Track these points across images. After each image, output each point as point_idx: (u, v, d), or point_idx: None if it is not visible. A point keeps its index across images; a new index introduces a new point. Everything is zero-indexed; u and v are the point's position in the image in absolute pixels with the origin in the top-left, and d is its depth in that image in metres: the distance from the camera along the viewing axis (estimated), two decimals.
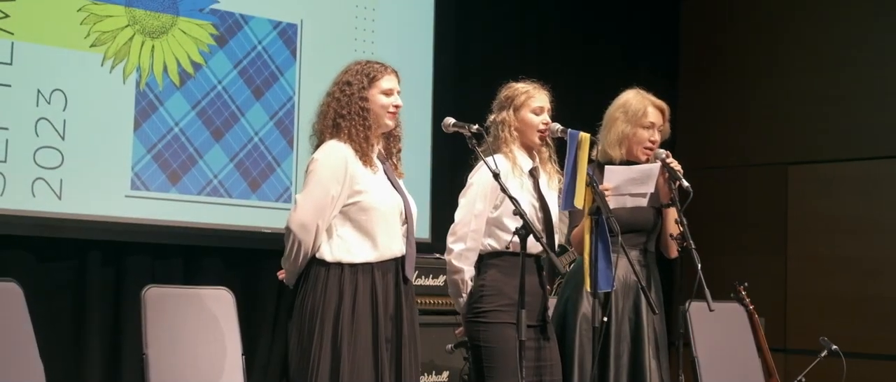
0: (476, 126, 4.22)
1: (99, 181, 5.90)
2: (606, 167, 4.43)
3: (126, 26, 6.03)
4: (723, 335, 6.05)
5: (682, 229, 4.43)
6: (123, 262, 6.05)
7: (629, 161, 4.63)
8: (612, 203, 4.28)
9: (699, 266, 4.30)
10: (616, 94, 4.82)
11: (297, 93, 6.63)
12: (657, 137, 4.66)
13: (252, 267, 6.46)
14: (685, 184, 4.47)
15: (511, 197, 3.99)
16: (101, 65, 5.94)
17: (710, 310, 4.38)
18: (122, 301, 6.00)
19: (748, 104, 8.51)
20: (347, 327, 3.99)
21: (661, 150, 4.62)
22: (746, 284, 6.19)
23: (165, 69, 6.15)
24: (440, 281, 6.17)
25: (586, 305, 4.49)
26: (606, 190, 4.30)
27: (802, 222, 8.15)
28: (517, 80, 4.57)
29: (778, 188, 8.26)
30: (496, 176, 4.01)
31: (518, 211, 3.94)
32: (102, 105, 5.94)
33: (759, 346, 6.15)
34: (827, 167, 8.10)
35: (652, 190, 4.47)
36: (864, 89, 7.94)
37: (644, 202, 4.47)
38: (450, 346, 5.95)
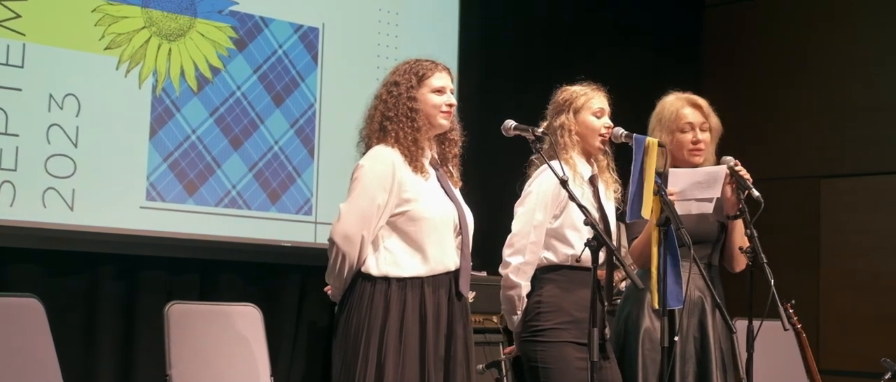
0: (541, 128, 3.96)
1: (113, 191, 5.66)
2: (671, 170, 4.17)
3: (142, 28, 5.77)
4: (770, 355, 5.77)
5: (751, 242, 4.14)
6: (137, 277, 5.83)
7: None
8: (678, 209, 4.01)
9: (772, 282, 4.03)
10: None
11: (319, 99, 6.41)
12: (702, 136, 4.37)
13: (272, 282, 6.29)
14: (755, 193, 4.19)
15: (581, 207, 3.70)
16: (117, 68, 5.69)
17: (785, 329, 4.10)
18: (136, 317, 5.79)
19: (776, 115, 8.27)
20: (394, 345, 3.75)
21: (729, 158, 4.33)
22: (793, 302, 5.91)
23: (183, 73, 5.91)
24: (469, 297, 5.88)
25: (649, 323, 4.22)
26: (671, 194, 4.03)
27: (836, 237, 7.91)
28: (571, 84, 4.31)
29: (810, 202, 8.00)
30: (564, 183, 3.73)
31: (590, 222, 3.65)
32: (117, 111, 5.69)
33: (808, 367, 5.86)
34: (860, 180, 7.88)
35: (718, 194, 4.19)
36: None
37: (710, 208, 4.19)
38: (481, 366, 5.68)
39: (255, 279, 6.20)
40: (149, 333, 5.61)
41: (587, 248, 3.69)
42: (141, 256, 5.78)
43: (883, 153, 7.80)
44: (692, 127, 4.36)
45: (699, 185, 4.13)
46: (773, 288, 4.02)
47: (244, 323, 4.86)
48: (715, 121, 4.42)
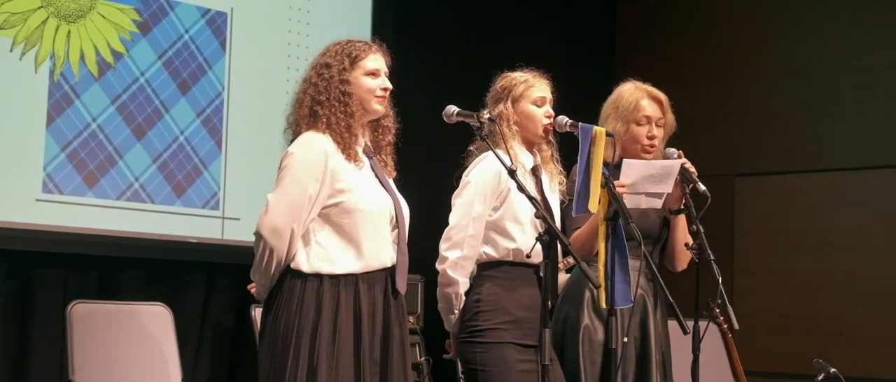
0: (486, 113, 3.74)
1: (6, 183, 5.33)
2: (625, 160, 3.98)
3: (39, 8, 5.42)
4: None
5: (697, 238, 3.97)
6: (32, 275, 5.50)
7: None
8: (627, 202, 3.82)
9: (719, 279, 3.89)
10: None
11: (227, 88, 6.14)
12: (657, 132, 4.19)
13: (176, 280, 6.01)
14: (701, 187, 4.03)
15: (532, 198, 3.48)
16: (10, 50, 5.34)
17: (734, 329, 3.93)
18: (30, 318, 5.44)
19: (689, 112, 8.14)
20: (326, 347, 3.52)
21: (672, 150, 4.16)
22: (719, 301, 5.79)
23: (82, 58, 5.58)
24: None
25: (588, 322, 4.03)
26: (622, 186, 3.85)
27: (750, 236, 7.87)
28: (513, 70, 4.11)
29: (724, 200, 7.93)
30: (512, 172, 3.51)
31: (541, 215, 3.43)
32: (11, 96, 5.35)
33: (734, 367, 5.76)
34: (774, 179, 7.85)
35: (670, 190, 4.02)
36: (814, 99, 7.74)
37: (660, 203, 4.03)
38: None
39: (159, 277, 5.93)
40: (44, 335, 5.36)
41: (538, 243, 3.47)
42: (36, 252, 5.47)
43: (796, 152, 7.76)
44: (649, 120, 4.19)
45: (651, 179, 3.95)
46: (721, 286, 3.88)
47: (153, 324, 4.70)
48: (671, 118, 4.26)
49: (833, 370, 5.50)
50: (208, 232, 5.99)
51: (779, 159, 7.86)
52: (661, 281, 3.92)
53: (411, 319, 6.05)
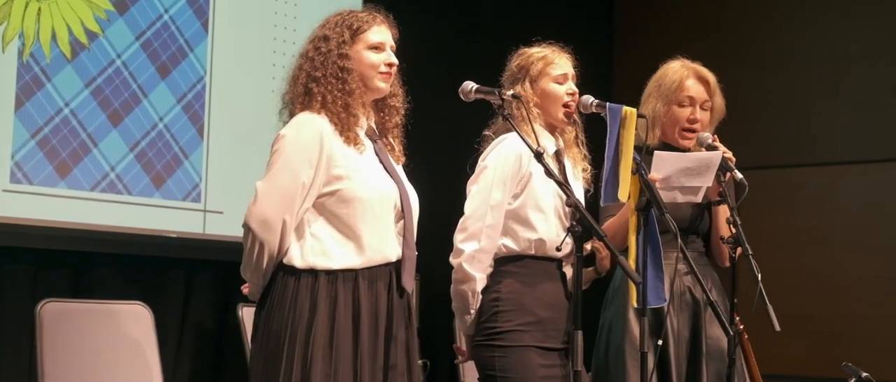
0: (511, 91, 3.44)
1: None
2: (656, 152, 3.71)
3: None
4: None
5: (734, 230, 3.66)
6: None
7: (666, 147, 3.84)
8: (661, 198, 3.52)
9: (759, 275, 3.60)
10: None
11: (209, 72, 5.87)
12: (700, 116, 3.90)
13: (154, 278, 5.77)
14: (738, 175, 3.74)
15: (561, 183, 3.18)
16: None
17: (776, 330, 3.61)
18: None
19: None
20: (322, 349, 3.27)
21: (706, 134, 3.88)
22: (736, 301, 5.54)
23: (54, 37, 5.27)
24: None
25: (634, 329, 3.71)
26: (654, 180, 3.54)
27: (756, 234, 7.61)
28: (530, 46, 3.81)
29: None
30: (539, 155, 3.18)
31: (573, 203, 3.11)
32: None
33: (750, 371, 5.45)
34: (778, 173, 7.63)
35: (710, 183, 3.73)
36: (816, 90, 7.55)
37: (698, 197, 3.76)
38: None
39: (136, 274, 5.68)
40: (11, 338, 5.09)
41: (568, 235, 3.15)
42: (2, 247, 5.19)
43: (800, 144, 7.60)
44: (692, 102, 3.91)
45: (688, 172, 3.67)
46: (761, 283, 3.59)
47: (131, 324, 4.48)
48: (719, 101, 3.97)
49: (865, 374, 5.18)
50: (189, 227, 5.76)
51: (782, 152, 7.65)
52: (700, 277, 3.61)
53: None
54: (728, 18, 7.96)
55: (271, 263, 3.30)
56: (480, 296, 3.61)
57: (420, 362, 5.82)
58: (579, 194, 3.74)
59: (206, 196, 5.81)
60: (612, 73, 8.11)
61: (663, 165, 3.63)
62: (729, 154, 3.78)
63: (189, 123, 5.79)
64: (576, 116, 3.74)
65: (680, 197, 3.70)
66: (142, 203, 5.59)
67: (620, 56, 8.29)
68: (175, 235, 5.66)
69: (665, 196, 3.62)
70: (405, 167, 3.55)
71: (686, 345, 3.82)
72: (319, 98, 3.35)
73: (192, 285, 5.89)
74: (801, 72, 7.58)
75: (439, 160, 6.02)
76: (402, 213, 3.41)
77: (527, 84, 3.69)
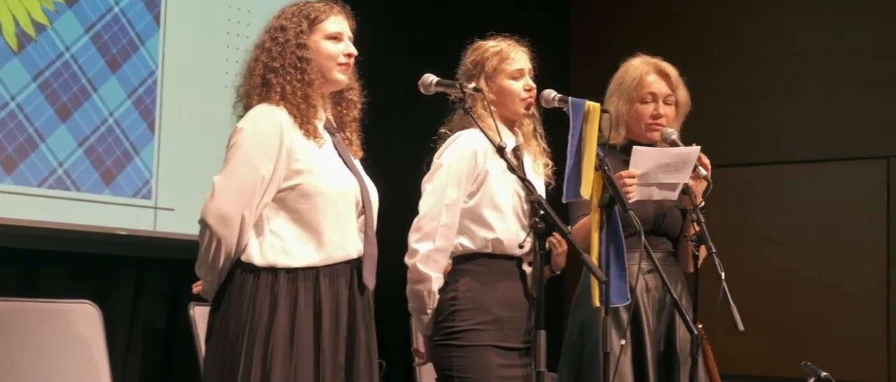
0: (472, 84, 3.35)
1: None
2: (635, 147, 3.65)
3: None
4: None
5: (697, 228, 3.62)
6: None
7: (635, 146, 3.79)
8: (637, 194, 3.46)
9: (722, 275, 3.56)
10: None
11: (161, 66, 5.76)
12: (664, 110, 3.85)
13: (103, 276, 5.66)
14: (702, 172, 3.69)
15: (524, 179, 3.11)
16: None
17: (740, 330, 3.58)
18: None
19: None
20: (282, 350, 3.19)
21: (670, 130, 3.82)
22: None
23: (0, 29, 5.14)
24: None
25: (611, 330, 3.65)
26: (633, 176, 3.49)
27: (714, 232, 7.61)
28: (484, 39, 3.73)
29: None
30: (501, 150, 3.11)
31: (535, 199, 3.04)
32: None
33: (708, 370, 5.41)
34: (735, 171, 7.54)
35: (686, 179, 3.67)
36: (777, 88, 7.55)
37: (675, 194, 3.71)
38: None
39: (84, 272, 5.58)
40: None
41: (531, 232, 3.09)
42: None
43: (759, 142, 7.58)
44: (654, 98, 3.85)
45: (666, 168, 3.62)
46: (724, 283, 3.54)
47: (79, 324, 4.30)
48: (683, 94, 3.91)
49: (824, 373, 5.16)
50: (139, 224, 5.66)
51: (740, 150, 7.60)
52: (664, 275, 3.56)
53: None
54: (689, 15, 7.95)
55: (228, 261, 3.21)
56: (437, 296, 3.56)
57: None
58: (541, 189, 3.67)
59: (158, 193, 5.72)
60: (569, 71, 8.06)
61: (642, 161, 3.58)
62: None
63: (140, 118, 5.68)
64: (534, 109, 3.67)
65: (657, 194, 3.65)
66: (91, 199, 5.49)
67: (578, 46, 8.24)
68: (125, 233, 5.56)
69: (642, 192, 3.59)
70: (362, 161, 3.48)
71: (662, 344, 3.77)
72: (278, 89, 3.27)
73: (141, 283, 5.80)
74: (755, 70, 7.59)
75: (394, 156, 5.94)
76: (363, 209, 3.33)
77: (482, 81, 3.61)
